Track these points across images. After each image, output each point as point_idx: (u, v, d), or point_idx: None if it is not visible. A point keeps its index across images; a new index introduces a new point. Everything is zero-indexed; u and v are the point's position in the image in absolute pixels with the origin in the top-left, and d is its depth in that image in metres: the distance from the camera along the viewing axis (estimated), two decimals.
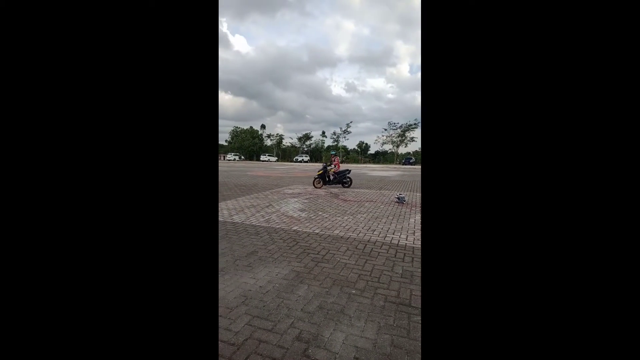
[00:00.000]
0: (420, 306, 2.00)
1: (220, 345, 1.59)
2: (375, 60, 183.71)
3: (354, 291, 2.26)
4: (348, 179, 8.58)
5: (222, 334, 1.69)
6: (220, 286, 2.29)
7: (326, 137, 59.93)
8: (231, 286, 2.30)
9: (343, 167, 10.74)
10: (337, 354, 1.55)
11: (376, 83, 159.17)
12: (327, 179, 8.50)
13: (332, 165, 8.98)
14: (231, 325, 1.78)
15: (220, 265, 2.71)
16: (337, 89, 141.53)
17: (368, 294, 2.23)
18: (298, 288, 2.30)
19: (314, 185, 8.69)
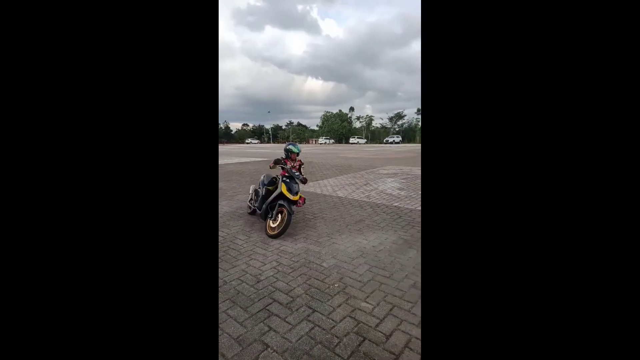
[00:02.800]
0: None
1: (349, 281, 2.05)
2: None
3: None
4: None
5: (349, 275, 2.14)
6: (339, 243, 2.79)
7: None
8: (348, 243, 2.76)
9: None
10: None
11: None
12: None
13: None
14: (355, 269, 2.23)
15: (335, 228, 3.23)
16: None
17: None
18: (408, 251, 2.57)
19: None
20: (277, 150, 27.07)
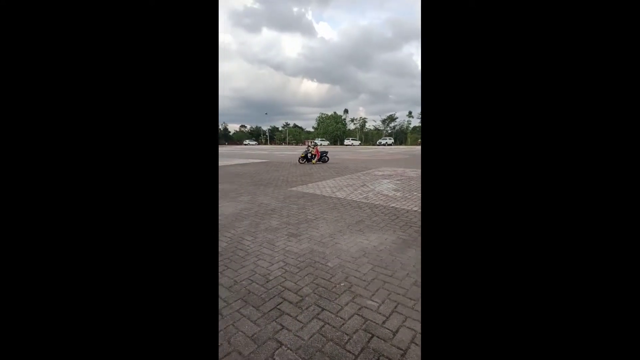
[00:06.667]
0: None
1: (354, 280, 2.13)
2: None
3: None
4: (327, 157, 12.72)
5: (353, 274, 2.23)
6: (342, 243, 2.88)
7: (412, 117, 56.11)
8: (350, 243, 2.85)
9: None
10: None
11: None
12: (308, 158, 12.27)
13: (313, 150, 12.51)
14: (359, 268, 2.32)
15: (337, 228, 3.32)
16: None
17: None
18: (407, 250, 2.67)
19: (298, 161, 12.52)
20: (275, 152, 27.03)
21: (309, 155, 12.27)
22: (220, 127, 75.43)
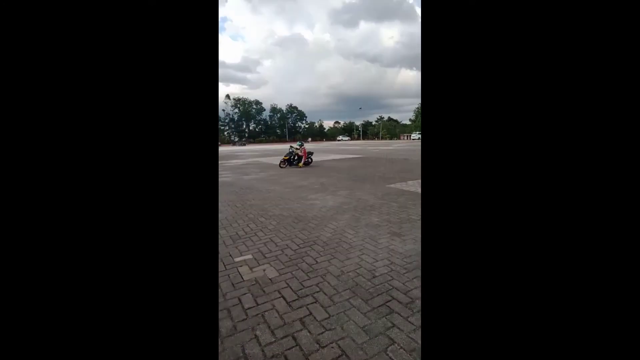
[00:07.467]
0: None
1: None
2: None
3: None
4: (310, 159, 10.92)
5: None
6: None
7: None
8: None
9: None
10: None
11: None
12: (292, 161, 10.42)
13: (299, 151, 10.63)
14: None
15: None
16: None
17: None
18: None
19: (279, 166, 10.41)
20: (368, 147, 27.02)
21: (293, 157, 10.34)
22: (316, 124, 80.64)
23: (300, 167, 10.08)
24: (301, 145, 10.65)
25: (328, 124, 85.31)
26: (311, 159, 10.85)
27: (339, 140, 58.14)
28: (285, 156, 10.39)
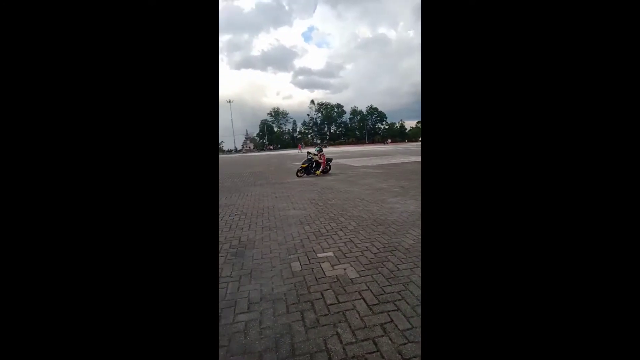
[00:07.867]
0: None
1: None
2: None
3: None
4: (329, 166, 9.71)
5: None
6: None
7: None
8: None
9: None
10: None
11: None
12: (310, 169, 9.18)
13: (318, 157, 9.45)
14: None
15: None
16: None
17: None
18: None
19: (296, 175, 9.22)
20: None
21: (311, 165, 8.98)
22: (397, 124, 77.56)
23: (318, 174, 9.01)
24: (319, 151, 9.44)
25: (410, 124, 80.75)
26: (330, 166, 9.66)
27: (420, 141, 54.23)
28: (303, 164, 9.10)
